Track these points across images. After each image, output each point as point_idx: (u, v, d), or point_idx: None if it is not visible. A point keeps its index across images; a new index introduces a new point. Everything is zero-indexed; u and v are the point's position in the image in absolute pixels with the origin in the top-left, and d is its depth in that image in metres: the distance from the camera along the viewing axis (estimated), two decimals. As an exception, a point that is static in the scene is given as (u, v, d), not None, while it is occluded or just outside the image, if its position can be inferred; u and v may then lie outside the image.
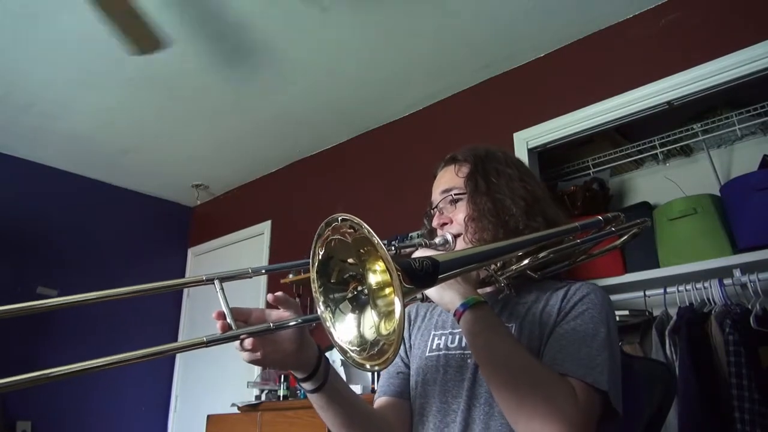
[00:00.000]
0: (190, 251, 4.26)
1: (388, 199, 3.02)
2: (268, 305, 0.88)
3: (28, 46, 2.51)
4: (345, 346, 0.73)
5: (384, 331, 0.70)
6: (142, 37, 2.11)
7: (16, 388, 0.59)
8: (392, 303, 0.67)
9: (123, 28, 2.05)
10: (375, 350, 0.70)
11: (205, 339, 0.73)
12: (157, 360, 3.90)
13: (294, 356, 0.87)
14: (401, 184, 2.99)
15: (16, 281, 3.28)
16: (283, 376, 2.70)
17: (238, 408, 2.66)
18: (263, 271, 0.88)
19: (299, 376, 0.91)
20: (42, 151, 3.47)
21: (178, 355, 4.00)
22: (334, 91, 2.93)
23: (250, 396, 2.75)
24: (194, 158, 3.65)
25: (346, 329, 0.74)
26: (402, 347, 1.14)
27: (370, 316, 0.72)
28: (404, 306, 0.64)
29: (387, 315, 0.70)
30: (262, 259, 3.60)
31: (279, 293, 0.87)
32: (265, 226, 3.71)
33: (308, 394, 0.93)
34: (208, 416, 2.70)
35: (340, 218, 0.70)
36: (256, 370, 3.31)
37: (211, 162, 3.71)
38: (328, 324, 0.75)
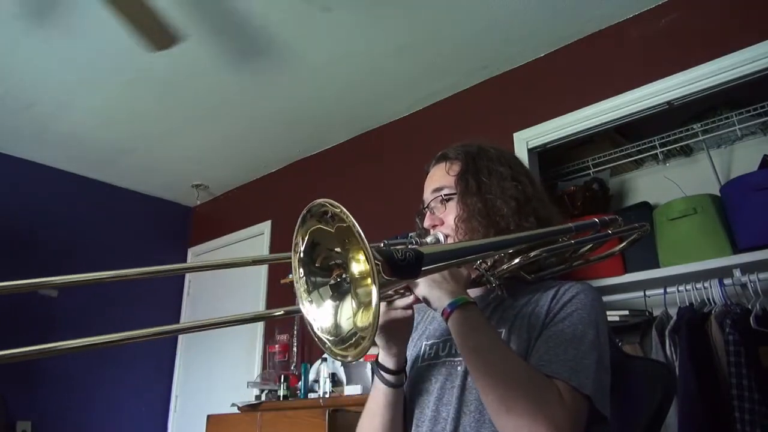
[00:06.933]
0: (190, 251, 4.26)
1: (389, 199, 3.02)
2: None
3: (28, 46, 2.51)
4: (323, 336, 0.72)
5: (360, 323, 0.69)
6: (156, 34, 2.10)
7: (25, 358, 0.59)
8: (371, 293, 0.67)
9: (137, 25, 2.04)
10: (351, 341, 0.69)
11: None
12: (158, 360, 3.93)
13: (403, 344, 0.95)
14: (402, 184, 2.98)
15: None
16: (283, 376, 2.70)
17: (238, 408, 2.66)
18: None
19: (394, 367, 0.95)
20: (42, 151, 3.47)
21: (178, 355, 4.00)
22: (334, 91, 2.93)
23: (250, 396, 2.75)
24: (194, 158, 3.65)
25: (324, 316, 0.74)
26: None
27: (350, 306, 0.72)
28: (380, 296, 0.64)
29: (366, 305, 0.69)
30: (262, 259, 3.59)
31: None
32: (265, 226, 3.71)
33: (387, 388, 0.96)
34: (208, 416, 2.70)
35: (321, 204, 0.70)
36: (256, 370, 3.31)
37: (211, 162, 3.71)
38: (310, 317, 0.74)
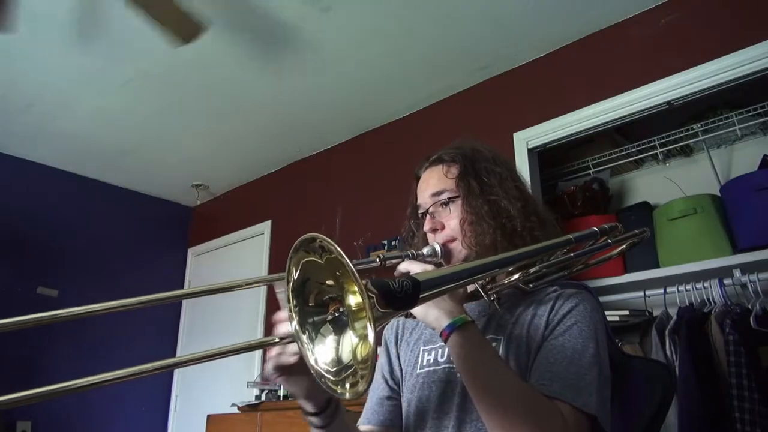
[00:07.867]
0: (190, 251, 4.26)
1: (389, 199, 3.01)
2: (268, 313, 0.87)
3: (27, 45, 2.50)
4: (321, 369, 0.70)
5: (360, 356, 0.67)
6: (181, 26, 2.07)
7: (26, 403, 0.58)
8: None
9: (160, 20, 2.02)
10: (348, 373, 0.67)
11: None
12: (158, 360, 3.91)
13: (310, 385, 0.83)
14: (402, 185, 2.97)
15: (16, 281, 3.28)
16: (283, 376, 2.70)
17: (238, 408, 2.66)
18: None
19: (311, 410, 0.87)
20: (41, 151, 3.47)
21: (178, 355, 3.99)
22: (334, 91, 2.93)
23: (250, 396, 2.75)
24: (194, 158, 3.65)
25: (324, 352, 0.71)
26: (388, 369, 1.10)
27: (350, 338, 0.70)
28: (377, 331, 0.61)
29: (364, 338, 0.67)
30: (262, 259, 3.60)
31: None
32: (265, 226, 3.71)
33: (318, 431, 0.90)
34: (208, 416, 2.70)
35: (310, 239, 0.67)
36: (256, 370, 3.31)
37: (211, 162, 3.71)
38: (304, 346, 0.71)
